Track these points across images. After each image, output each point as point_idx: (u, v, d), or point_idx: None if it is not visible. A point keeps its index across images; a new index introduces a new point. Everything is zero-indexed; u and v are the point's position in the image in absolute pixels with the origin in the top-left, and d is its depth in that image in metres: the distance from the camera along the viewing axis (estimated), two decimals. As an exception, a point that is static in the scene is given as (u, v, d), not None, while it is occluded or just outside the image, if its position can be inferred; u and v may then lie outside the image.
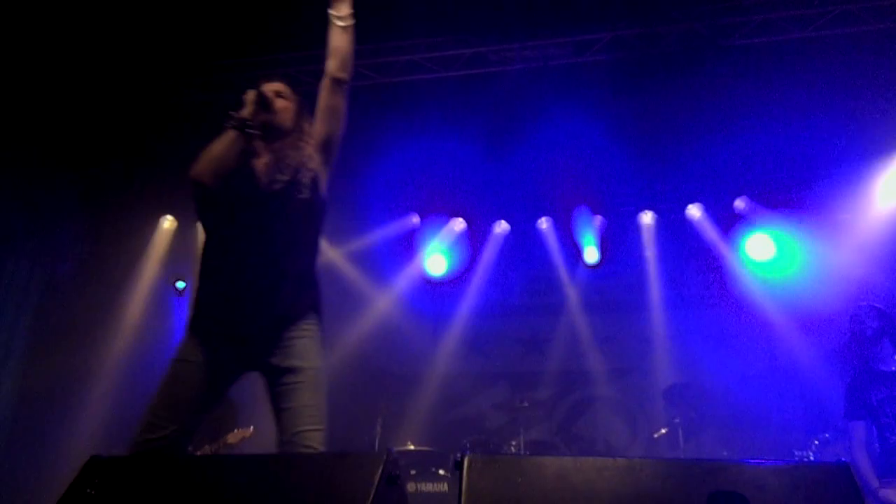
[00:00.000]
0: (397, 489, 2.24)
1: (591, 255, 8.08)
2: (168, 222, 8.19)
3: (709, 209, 7.87)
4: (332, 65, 2.98)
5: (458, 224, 8.45)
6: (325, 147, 2.99)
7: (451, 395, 8.16)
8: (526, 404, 6.82)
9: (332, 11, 3.00)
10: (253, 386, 2.91)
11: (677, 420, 6.50)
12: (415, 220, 8.37)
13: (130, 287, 7.86)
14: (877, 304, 4.70)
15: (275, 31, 6.37)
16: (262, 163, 2.87)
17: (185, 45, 6.57)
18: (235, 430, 5.58)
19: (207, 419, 2.85)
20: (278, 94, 2.93)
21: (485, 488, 2.06)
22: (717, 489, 2.03)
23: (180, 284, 8.13)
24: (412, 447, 6.43)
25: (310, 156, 2.91)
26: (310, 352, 2.78)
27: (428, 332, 8.52)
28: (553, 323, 8.42)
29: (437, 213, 8.39)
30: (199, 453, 5.35)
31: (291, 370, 2.72)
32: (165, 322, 7.99)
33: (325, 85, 2.99)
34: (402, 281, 8.46)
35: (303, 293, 2.86)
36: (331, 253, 8.27)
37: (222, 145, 2.76)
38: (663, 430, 6.68)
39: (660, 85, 6.50)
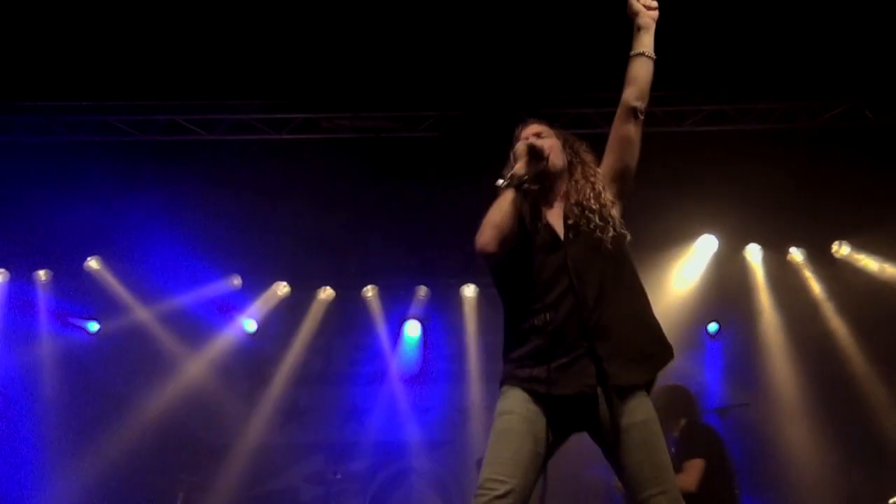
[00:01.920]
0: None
1: (412, 327, 8.20)
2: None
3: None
4: (631, 93, 2.76)
5: (282, 288, 8.27)
6: (619, 179, 2.78)
7: (263, 466, 7.81)
8: (339, 476, 6.67)
9: (639, 49, 2.79)
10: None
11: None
12: (236, 281, 8.10)
13: None
14: (672, 384, 5.08)
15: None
16: (555, 211, 2.70)
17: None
18: None
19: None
20: (540, 136, 2.78)
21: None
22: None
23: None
24: (215, 523, 6.04)
25: (604, 187, 2.71)
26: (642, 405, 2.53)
27: (243, 399, 8.17)
28: (373, 392, 8.37)
29: (260, 275, 8.18)
30: None
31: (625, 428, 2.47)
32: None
33: (620, 114, 2.79)
34: (219, 345, 8.09)
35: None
36: (140, 313, 7.80)
37: (501, 210, 2.54)
38: None
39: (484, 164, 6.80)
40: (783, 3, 5.54)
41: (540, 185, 2.68)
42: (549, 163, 2.66)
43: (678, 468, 4.57)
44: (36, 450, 7.25)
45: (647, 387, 2.55)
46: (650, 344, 2.57)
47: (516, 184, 2.57)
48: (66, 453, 7.21)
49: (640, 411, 2.47)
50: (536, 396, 2.49)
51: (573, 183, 2.74)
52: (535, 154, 2.63)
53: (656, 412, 2.49)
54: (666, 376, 5.99)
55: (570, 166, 2.78)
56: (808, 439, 7.24)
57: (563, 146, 2.81)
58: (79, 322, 7.90)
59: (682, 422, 4.85)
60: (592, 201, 2.65)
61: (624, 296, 2.57)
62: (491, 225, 2.55)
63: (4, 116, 6.43)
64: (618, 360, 2.47)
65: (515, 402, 2.51)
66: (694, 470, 4.50)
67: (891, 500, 6.77)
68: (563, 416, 2.50)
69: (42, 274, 7.81)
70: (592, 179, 2.72)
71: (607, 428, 2.46)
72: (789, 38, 5.75)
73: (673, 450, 4.76)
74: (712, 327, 7.81)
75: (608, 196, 2.69)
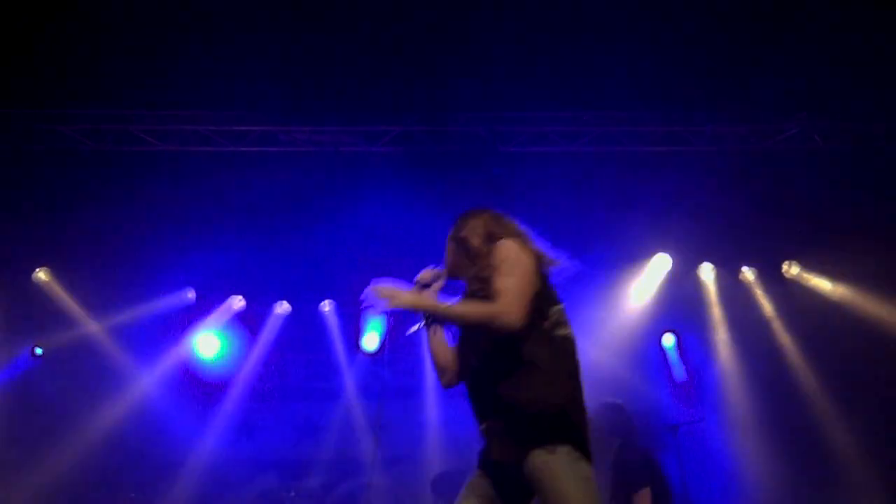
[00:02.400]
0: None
1: (370, 341, 8.11)
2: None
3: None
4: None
5: (237, 302, 8.15)
6: None
7: (214, 483, 7.62)
8: (293, 494, 6.55)
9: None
10: None
11: (444, 510, 6.55)
12: (190, 294, 7.94)
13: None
14: (614, 401, 5.16)
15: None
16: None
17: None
18: None
19: None
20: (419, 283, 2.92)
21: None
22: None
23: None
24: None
25: (485, 267, 2.70)
26: None
27: (194, 415, 8.00)
28: (329, 408, 8.27)
29: (215, 289, 8.05)
30: None
31: None
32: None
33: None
34: (170, 360, 7.92)
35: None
36: (91, 326, 7.61)
37: (431, 350, 2.86)
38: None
39: (444, 179, 6.84)
40: (734, 27, 5.70)
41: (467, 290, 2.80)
42: (449, 272, 2.89)
43: (624, 499, 4.65)
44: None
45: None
46: (517, 423, 2.57)
47: (424, 327, 2.88)
48: (11, 470, 6.97)
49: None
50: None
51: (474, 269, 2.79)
52: (420, 286, 2.89)
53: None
54: (620, 389, 6.11)
55: (470, 257, 2.81)
56: (758, 453, 7.37)
57: (460, 249, 2.86)
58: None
59: (618, 442, 4.95)
60: (475, 283, 2.73)
61: (495, 374, 2.62)
62: (436, 366, 2.88)
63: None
64: (494, 437, 2.65)
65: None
66: (644, 500, 4.65)
67: None
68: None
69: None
70: (478, 264, 2.75)
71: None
72: (741, 61, 5.91)
73: (610, 472, 4.86)
74: (668, 341, 7.90)
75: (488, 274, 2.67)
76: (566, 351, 2.66)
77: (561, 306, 2.73)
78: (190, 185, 6.82)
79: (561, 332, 2.66)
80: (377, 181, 6.97)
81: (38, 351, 7.62)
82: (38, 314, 7.58)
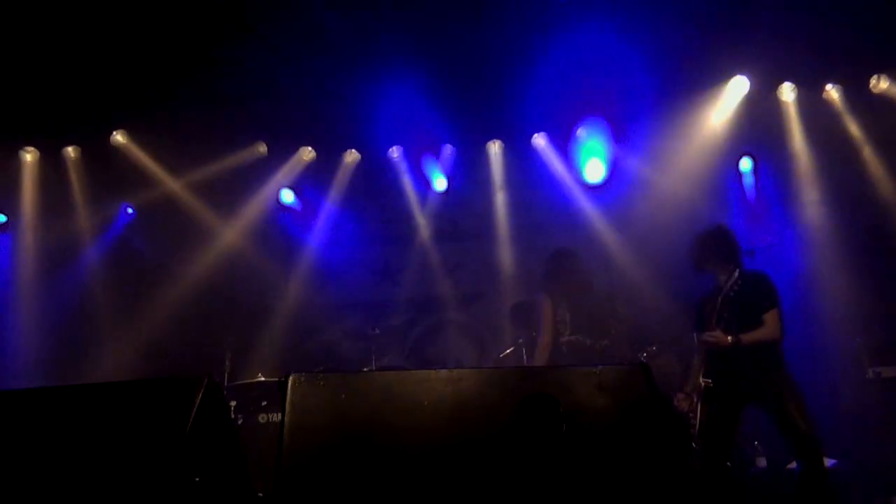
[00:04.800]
0: (219, 412, 2.23)
1: (440, 183, 8.20)
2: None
3: (553, 138, 8.15)
4: None
5: (308, 153, 8.27)
6: None
7: (303, 325, 8.12)
8: (378, 332, 6.90)
9: None
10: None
11: (521, 340, 6.80)
12: (261, 148, 8.08)
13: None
14: (702, 230, 5.13)
15: None
16: None
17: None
18: None
19: None
20: None
21: (308, 405, 2.08)
22: (530, 392, 2.17)
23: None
24: (262, 378, 6.37)
25: None
26: None
27: (279, 263, 8.39)
28: (405, 252, 8.53)
29: (285, 141, 8.16)
30: None
31: None
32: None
33: None
34: (252, 211, 8.22)
35: None
36: (172, 184, 7.91)
37: None
38: (509, 350, 6.99)
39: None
40: None
41: None
42: None
43: (753, 319, 4.67)
44: (83, 318, 7.60)
45: None
46: None
47: None
48: (113, 320, 7.55)
49: None
50: None
51: None
52: None
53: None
54: (697, 218, 6.05)
55: None
56: (839, 284, 7.17)
57: None
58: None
59: (734, 269, 4.92)
60: None
61: None
62: None
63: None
64: None
65: None
66: (774, 319, 4.69)
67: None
68: None
69: (71, 150, 7.87)
70: None
71: None
72: None
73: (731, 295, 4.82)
74: (745, 166, 7.67)
75: None
76: None
77: None
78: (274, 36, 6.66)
79: None
80: (421, 27, 6.70)
81: (129, 210, 8.01)
82: (121, 175, 7.90)
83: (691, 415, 4.81)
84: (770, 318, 4.68)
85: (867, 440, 5.08)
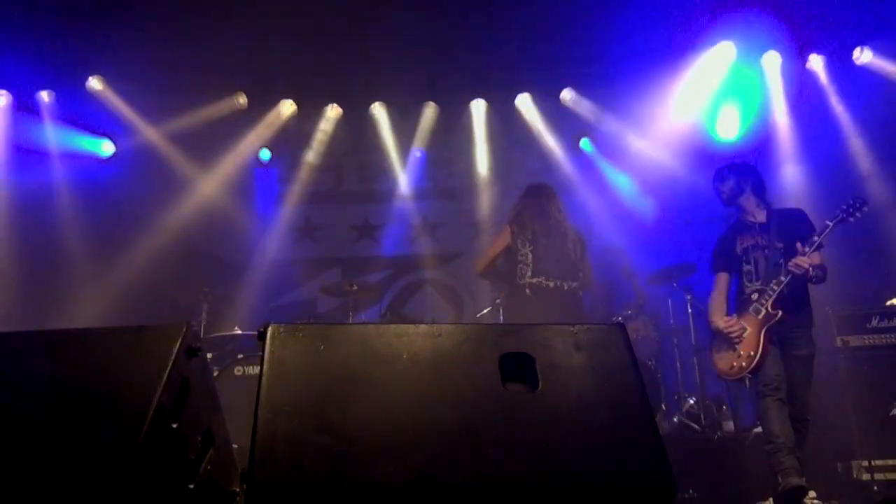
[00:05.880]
0: (198, 361, 2.23)
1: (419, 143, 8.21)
2: None
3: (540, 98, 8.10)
4: None
5: (288, 106, 8.14)
6: None
7: (280, 280, 8.11)
8: (356, 288, 6.90)
9: None
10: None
11: (499, 300, 6.84)
12: (241, 99, 7.95)
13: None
14: (735, 161, 5.02)
15: None
16: None
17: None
18: None
19: None
20: None
21: (287, 356, 2.08)
22: (507, 350, 2.18)
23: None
24: (239, 331, 6.36)
25: None
26: None
27: (257, 217, 8.34)
28: (384, 209, 8.50)
29: (266, 93, 8.03)
30: None
31: None
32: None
33: None
34: (230, 164, 8.11)
35: None
36: (150, 133, 7.77)
37: None
38: (486, 310, 7.03)
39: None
40: None
41: None
42: None
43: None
44: (58, 265, 7.49)
45: None
46: None
47: None
48: (86, 270, 7.45)
49: None
50: None
51: None
52: None
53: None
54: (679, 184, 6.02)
55: None
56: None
57: None
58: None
59: (765, 206, 4.82)
60: None
61: None
62: None
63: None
64: None
65: None
66: (820, 257, 4.54)
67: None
68: None
69: (45, 95, 7.68)
70: None
71: None
72: None
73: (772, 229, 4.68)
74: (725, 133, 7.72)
75: None
76: None
77: None
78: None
79: None
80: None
81: (104, 157, 7.86)
82: (98, 122, 7.75)
83: (737, 342, 4.49)
84: (819, 253, 4.51)
85: (830, 404, 5.20)
